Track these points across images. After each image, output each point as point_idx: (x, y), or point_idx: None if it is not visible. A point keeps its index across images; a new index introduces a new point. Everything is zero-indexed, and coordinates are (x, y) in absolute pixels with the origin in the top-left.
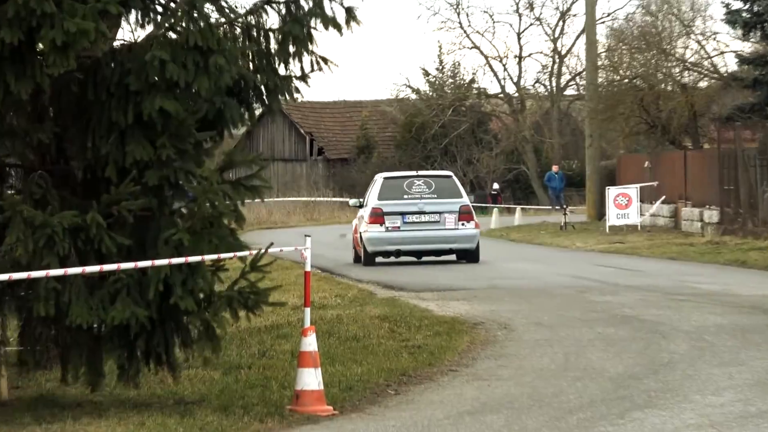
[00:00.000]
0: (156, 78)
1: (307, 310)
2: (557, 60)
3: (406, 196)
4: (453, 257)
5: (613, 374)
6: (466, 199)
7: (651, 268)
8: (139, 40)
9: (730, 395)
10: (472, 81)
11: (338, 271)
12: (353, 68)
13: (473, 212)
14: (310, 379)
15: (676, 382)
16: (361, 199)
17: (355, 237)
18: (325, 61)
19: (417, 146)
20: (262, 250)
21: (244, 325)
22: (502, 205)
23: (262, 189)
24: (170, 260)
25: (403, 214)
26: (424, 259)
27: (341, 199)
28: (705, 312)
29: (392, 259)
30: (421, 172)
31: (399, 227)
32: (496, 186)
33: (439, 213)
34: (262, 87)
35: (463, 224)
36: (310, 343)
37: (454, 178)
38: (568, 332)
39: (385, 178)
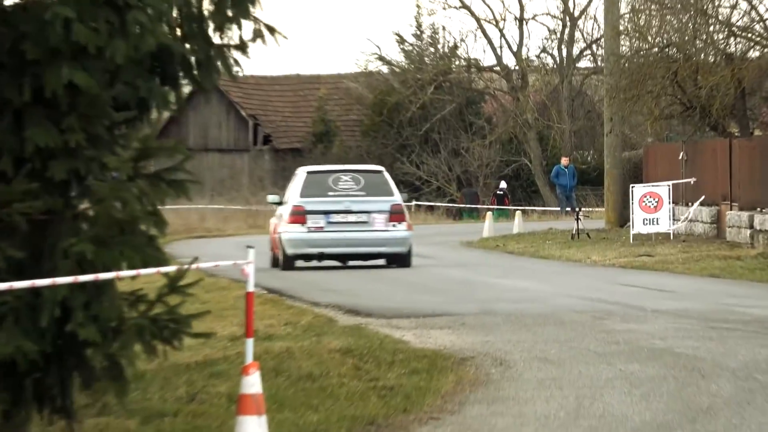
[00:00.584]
0: (59, 43)
1: (249, 341)
2: (568, 23)
3: (331, 193)
4: (381, 262)
5: (638, 423)
6: (398, 198)
7: (687, 288)
8: None
9: None
10: (456, 48)
11: (289, 291)
12: (309, 33)
13: (405, 212)
14: (253, 430)
15: None
16: (281, 196)
17: (273, 238)
18: (272, 30)
19: (390, 132)
20: (185, 266)
21: (169, 360)
22: (509, 207)
23: (188, 185)
24: (76, 278)
25: (327, 213)
26: (400, 272)
27: None
28: (756, 344)
29: (337, 265)
30: (348, 167)
31: (322, 228)
32: (503, 185)
33: (368, 212)
34: (192, 59)
35: (393, 225)
36: (253, 384)
37: (385, 173)
38: (581, 369)
39: (309, 173)
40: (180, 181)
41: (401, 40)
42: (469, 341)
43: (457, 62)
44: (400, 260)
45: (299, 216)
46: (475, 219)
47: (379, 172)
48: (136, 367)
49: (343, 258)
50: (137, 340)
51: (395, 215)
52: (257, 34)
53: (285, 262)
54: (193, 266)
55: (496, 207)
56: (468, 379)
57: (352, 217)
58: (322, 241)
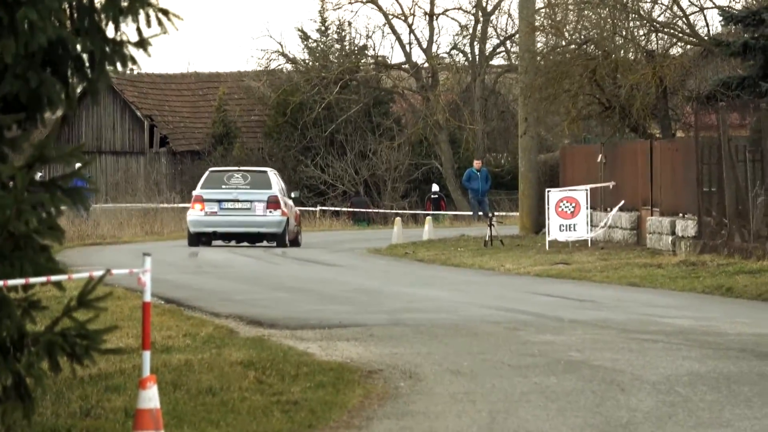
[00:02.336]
0: None
1: (146, 354)
2: (481, 18)
3: (224, 186)
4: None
5: None
6: (275, 191)
7: (606, 298)
8: None
9: None
10: (365, 48)
11: (189, 301)
12: (208, 29)
13: (280, 202)
14: None
15: None
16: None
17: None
18: (166, 13)
19: (293, 134)
20: (95, 278)
21: (63, 374)
22: (445, 212)
23: (86, 193)
24: None
25: (220, 201)
26: (306, 280)
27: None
28: (677, 356)
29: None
30: (242, 168)
31: (216, 212)
32: (435, 187)
33: (251, 201)
34: (84, 55)
35: (270, 211)
36: (150, 398)
37: (270, 173)
38: (495, 383)
39: (211, 171)
40: (79, 189)
41: (305, 37)
42: (378, 353)
43: (364, 60)
44: (277, 239)
45: (200, 203)
46: (363, 227)
47: (264, 171)
48: (43, 385)
49: (232, 237)
50: (45, 356)
51: (272, 204)
52: (151, 23)
53: (189, 239)
54: (84, 275)
55: (433, 212)
56: (376, 393)
57: (238, 205)
58: (216, 222)
